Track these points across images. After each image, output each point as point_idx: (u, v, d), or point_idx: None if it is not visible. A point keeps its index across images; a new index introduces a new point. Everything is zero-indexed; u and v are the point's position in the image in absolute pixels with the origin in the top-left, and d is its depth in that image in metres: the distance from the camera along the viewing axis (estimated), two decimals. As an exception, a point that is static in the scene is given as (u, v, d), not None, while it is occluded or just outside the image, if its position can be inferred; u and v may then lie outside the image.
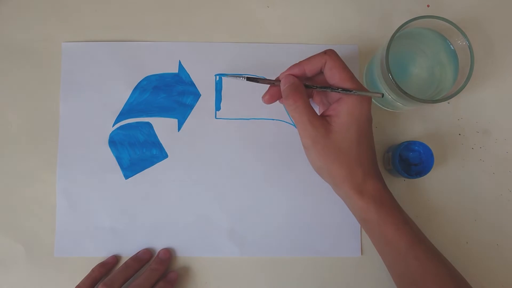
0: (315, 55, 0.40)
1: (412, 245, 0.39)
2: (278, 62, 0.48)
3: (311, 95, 0.45)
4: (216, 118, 0.48)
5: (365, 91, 0.39)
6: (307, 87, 0.41)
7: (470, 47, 0.40)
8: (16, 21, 0.49)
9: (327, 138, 0.39)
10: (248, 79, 0.43)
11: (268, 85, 0.43)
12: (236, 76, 0.43)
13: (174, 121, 0.48)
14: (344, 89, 0.39)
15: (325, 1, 0.49)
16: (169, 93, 0.48)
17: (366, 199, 0.39)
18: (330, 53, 0.40)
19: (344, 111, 0.39)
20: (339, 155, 0.39)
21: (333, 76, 0.39)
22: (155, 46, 0.49)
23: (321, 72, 0.41)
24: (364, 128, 0.40)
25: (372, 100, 0.48)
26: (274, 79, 0.42)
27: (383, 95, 0.39)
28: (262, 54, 0.49)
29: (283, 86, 0.41)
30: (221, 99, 0.48)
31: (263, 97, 0.43)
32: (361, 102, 0.39)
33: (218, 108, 0.48)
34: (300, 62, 0.41)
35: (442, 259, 0.40)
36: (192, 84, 0.48)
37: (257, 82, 0.43)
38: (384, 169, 0.48)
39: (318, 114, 0.40)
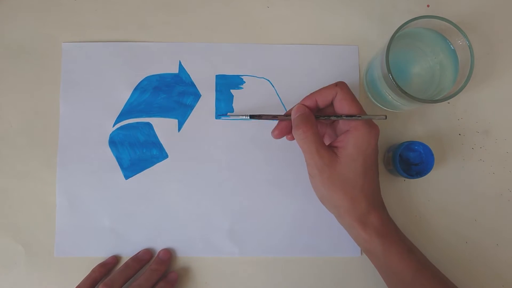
0: (326, 86, 0.41)
1: (417, 274, 0.39)
2: (278, 63, 0.48)
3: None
4: (216, 118, 0.48)
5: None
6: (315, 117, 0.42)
7: (470, 47, 0.40)
8: (16, 21, 0.49)
9: (333, 168, 0.39)
10: (251, 116, 0.43)
11: (272, 119, 0.43)
12: (239, 115, 0.45)
13: (174, 122, 0.48)
14: (347, 116, 0.40)
15: (325, 2, 0.49)
16: (169, 94, 0.48)
17: (370, 230, 0.40)
18: (341, 85, 0.41)
19: (351, 143, 0.39)
20: (344, 186, 0.39)
21: (342, 107, 0.40)
22: (155, 46, 0.49)
23: (331, 104, 0.41)
24: (370, 160, 0.40)
25: (372, 100, 0.48)
26: (276, 114, 0.43)
27: (386, 116, 0.40)
28: (262, 55, 0.49)
29: (294, 115, 0.41)
30: (221, 99, 0.48)
31: (272, 132, 0.43)
32: (369, 134, 0.39)
33: (218, 108, 0.48)
34: (312, 93, 0.42)
35: (448, 285, 0.41)
36: (192, 84, 0.48)
37: (260, 118, 0.43)
38: (384, 169, 0.48)
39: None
